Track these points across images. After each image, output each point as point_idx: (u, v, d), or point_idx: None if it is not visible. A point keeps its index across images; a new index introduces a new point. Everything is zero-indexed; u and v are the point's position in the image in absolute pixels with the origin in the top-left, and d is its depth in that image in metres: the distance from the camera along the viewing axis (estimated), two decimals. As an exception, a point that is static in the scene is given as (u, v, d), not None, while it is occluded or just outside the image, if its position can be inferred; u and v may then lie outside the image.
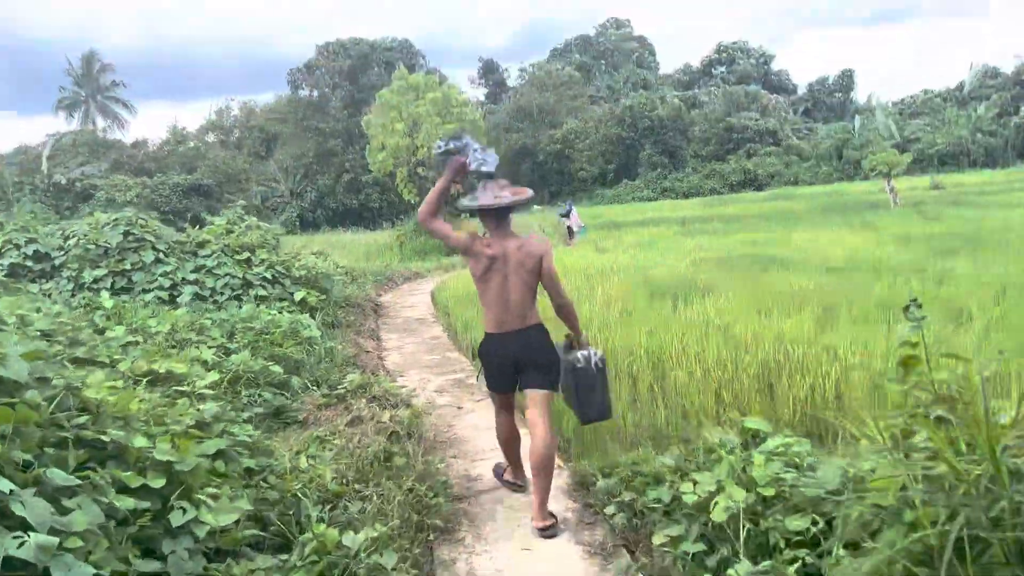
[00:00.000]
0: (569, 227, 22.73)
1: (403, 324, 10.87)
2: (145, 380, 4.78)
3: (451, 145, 3.91)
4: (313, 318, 8.24)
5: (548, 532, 3.72)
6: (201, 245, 8.83)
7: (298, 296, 8.60)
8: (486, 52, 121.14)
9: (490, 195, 3.84)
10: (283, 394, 5.87)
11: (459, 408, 6.21)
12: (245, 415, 5.21)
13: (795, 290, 9.44)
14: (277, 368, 6.03)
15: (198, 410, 4.18)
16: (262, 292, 8.43)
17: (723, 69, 69.71)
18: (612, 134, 54.41)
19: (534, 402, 3.91)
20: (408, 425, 5.13)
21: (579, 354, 3.98)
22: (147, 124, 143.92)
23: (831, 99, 67.03)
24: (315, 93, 51.51)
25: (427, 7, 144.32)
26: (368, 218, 46.27)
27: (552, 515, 3.83)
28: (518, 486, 4.42)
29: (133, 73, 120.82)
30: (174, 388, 4.85)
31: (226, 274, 8.38)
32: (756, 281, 10.49)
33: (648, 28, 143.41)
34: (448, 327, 10.28)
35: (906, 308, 2.06)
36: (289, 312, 8.04)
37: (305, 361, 6.70)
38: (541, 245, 3.92)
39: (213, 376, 5.09)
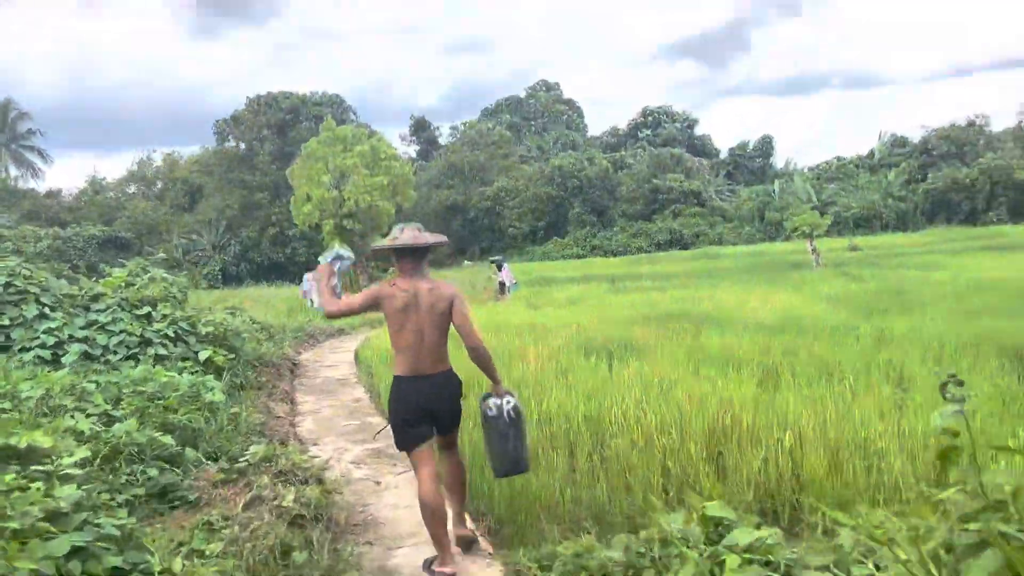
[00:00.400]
0: (501, 282, 22.36)
1: (321, 385, 10.11)
2: (-5, 459, 4.00)
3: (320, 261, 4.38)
4: (219, 380, 7.46)
5: (466, 540, 4.03)
6: (96, 299, 7.98)
7: (203, 356, 7.80)
8: (417, 111, 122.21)
9: (409, 236, 3.93)
10: (174, 470, 5.09)
11: (377, 484, 5.55)
12: (123, 497, 4.46)
13: (732, 350, 9.15)
14: (168, 439, 5.25)
15: (52, 497, 3.43)
16: (162, 351, 7.60)
17: (649, 132, 71.55)
18: (542, 193, 54.86)
19: (442, 442, 4.09)
20: (316, 506, 4.46)
21: (491, 402, 3.97)
22: (66, 175, 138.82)
23: (752, 163, 69.39)
24: (242, 145, 50.43)
25: (358, 65, 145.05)
26: (294, 272, 44.95)
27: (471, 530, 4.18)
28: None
29: (53, 123, 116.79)
30: (33, 468, 4.07)
31: (121, 331, 7.53)
32: (692, 340, 10.19)
33: (576, 92, 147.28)
34: (371, 388, 9.60)
35: (943, 385, 1.60)
36: (192, 373, 7.25)
37: (204, 430, 5.92)
38: (451, 287, 4.01)
39: (83, 452, 4.32)
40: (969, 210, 49.50)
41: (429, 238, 3.97)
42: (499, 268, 22.98)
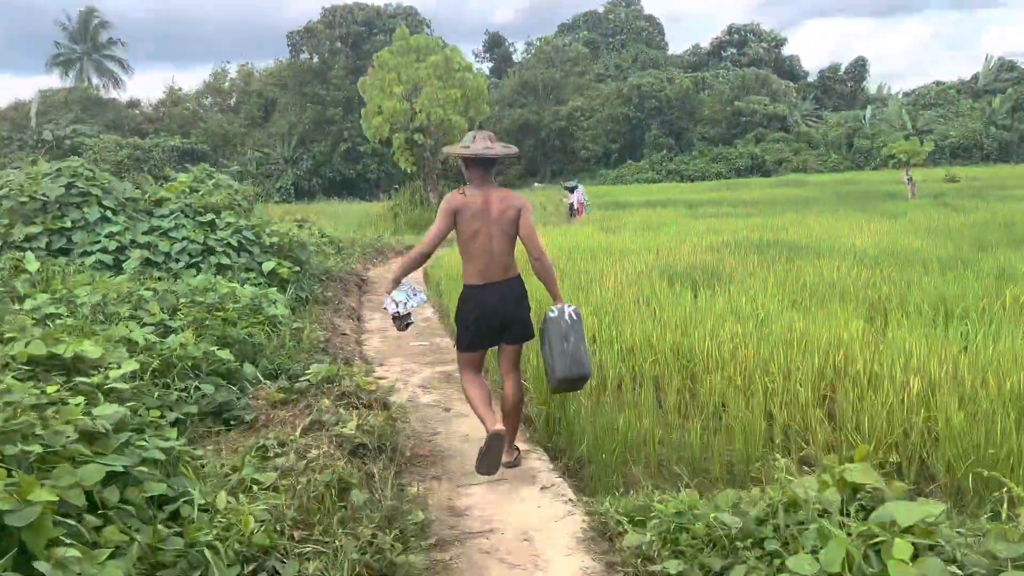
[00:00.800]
0: (571, 204, 21.61)
1: (389, 302, 9.76)
2: (36, 369, 3.70)
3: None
4: (283, 293, 7.14)
5: (509, 466, 4.00)
6: (159, 203, 7.69)
7: (267, 267, 7.47)
8: (492, 27, 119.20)
9: (481, 145, 3.93)
10: (230, 387, 4.75)
11: (447, 410, 5.14)
12: (174, 415, 4.14)
13: (831, 281, 8.37)
14: (226, 353, 4.91)
15: (90, 415, 3.07)
16: (225, 260, 7.29)
17: (733, 51, 68.02)
18: (618, 113, 53.00)
19: (508, 356, 4.10)
20: (379, 435, 4.05)
21: (553, 307, 3.99)
22: (144, 87, 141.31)
23: (842, 87, 65.47)
24: (315, 58, 49.91)
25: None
26: (365, 189, 45.07)
27: (516, 448, 4.15)
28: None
29: (133, 34, 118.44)
30: (79, 380, 3.75)
31: (184, 238, 7.23)
32: (784, 269, 9.40)
33: (658, 7, 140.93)
34: (440, 308, 9.21)
35: None
36: (255, 285, 6.94)
37: (264, 345, 5.58)
38: (520, 197, 4.07)
39: (132, 365, 3.98)
40: (1082, 142, 45.82)
41: (500, 150, 3.99)
42: (571, 191, 22.22)
